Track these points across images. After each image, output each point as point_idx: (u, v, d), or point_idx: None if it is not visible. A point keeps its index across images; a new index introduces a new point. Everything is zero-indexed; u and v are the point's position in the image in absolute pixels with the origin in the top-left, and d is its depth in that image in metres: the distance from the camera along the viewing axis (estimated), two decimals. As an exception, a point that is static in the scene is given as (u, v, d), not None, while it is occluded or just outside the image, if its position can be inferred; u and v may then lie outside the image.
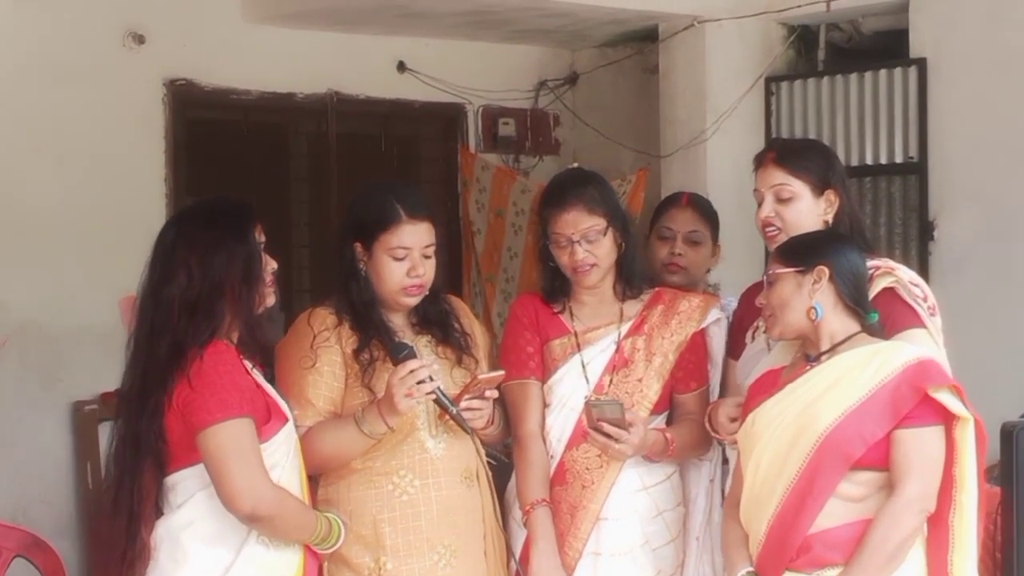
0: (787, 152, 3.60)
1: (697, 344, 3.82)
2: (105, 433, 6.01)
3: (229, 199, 3.40)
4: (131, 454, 3.19)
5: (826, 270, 3.21)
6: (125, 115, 6.58)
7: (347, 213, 3.73)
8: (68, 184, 6.33)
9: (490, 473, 3.69)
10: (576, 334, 3.79)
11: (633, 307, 3.83)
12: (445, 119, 7.94)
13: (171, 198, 6.71)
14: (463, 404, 3.47)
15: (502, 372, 3.59)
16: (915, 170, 6.40)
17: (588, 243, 3.69)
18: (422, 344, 3.62)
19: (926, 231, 6.33)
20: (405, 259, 3.53)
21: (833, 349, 3.22)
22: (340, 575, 3.50)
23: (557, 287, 3.83)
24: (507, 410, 3.73)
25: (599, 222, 3.69)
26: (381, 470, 3.52)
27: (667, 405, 3.81)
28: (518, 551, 3.68)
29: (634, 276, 3.82)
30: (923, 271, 5.73)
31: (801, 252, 3.28)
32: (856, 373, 3.14)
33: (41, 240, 6.25)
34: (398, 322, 3.62)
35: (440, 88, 7.62)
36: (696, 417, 3.77)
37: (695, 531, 3.82)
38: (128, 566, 3.17)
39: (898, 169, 6.49)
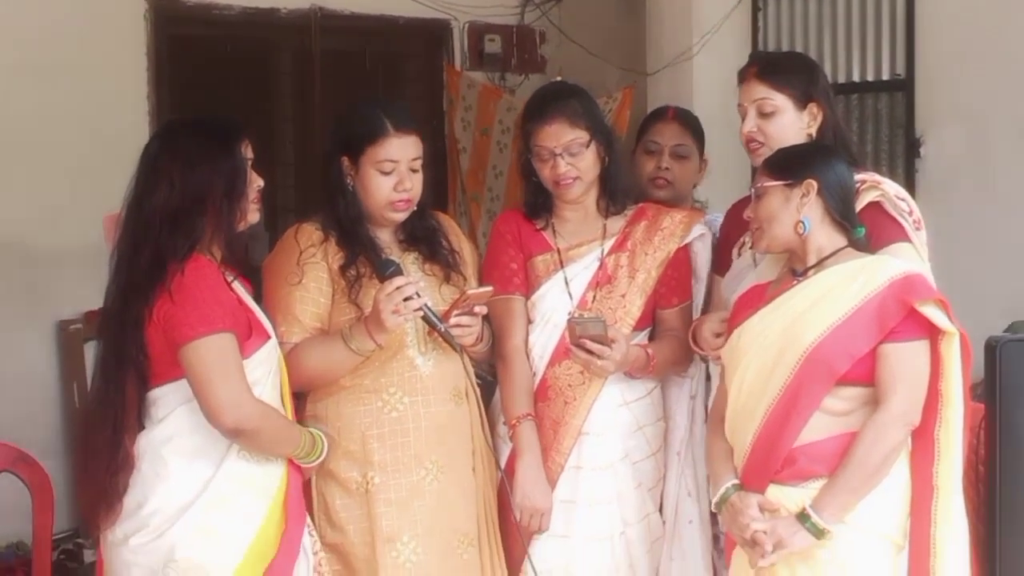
0: (769, 66, 3.58)
1: (680, 260, 3.81)
2: (91, 352, 6.03)
3: (217, 115, 3.36)
4: (114, 365, 3.19)
5: (815, 184, 3.19)
6: (107, 32, 6.53)
7: (334, 127, 3.70)
8: (50, 103, 6.28)
9: (478, 391, 3.70)
10: (559, 251, 3.78)
11: (616, 223, 3.82)
12: (430, 35, 7.89)
13: (154, 116, 6.68)
14: (452, 320, 3.46)
15: (491, 288, 3.57)
16: (902, 87, 6.38)
17: (570, 156, 3.67)
18: (409, 261, 3.62)
19: (912, 148, 6.32)
20: (392, 173, 3.51)
21: (820, 264, 3.21)
22: (328, 489, 3.53)
23: (540, 203, 3.82)
24: (491, 326, 3.73)
25: (581, 135, 3.67)
26: (370, 387, 3.52)
27: (649, 321, 3.81)
28: (502, 465, 3.71)
29: (617, 191, 3.81)
30: (909, 188, 5.70)
31: (789, 165, 3.26)
32: (842, 288, 3.13)
33: (23, 159, 6.21)
34: (385, 238, 3.61)
35: (425, 4, 7.56)
36: (678, 333, 3.78)
37: (676, 446, 3.85)
38: (112, 475, 3.18)
39: (885, 86, 6.46)
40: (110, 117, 6.46)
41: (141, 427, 3.22)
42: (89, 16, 6.41)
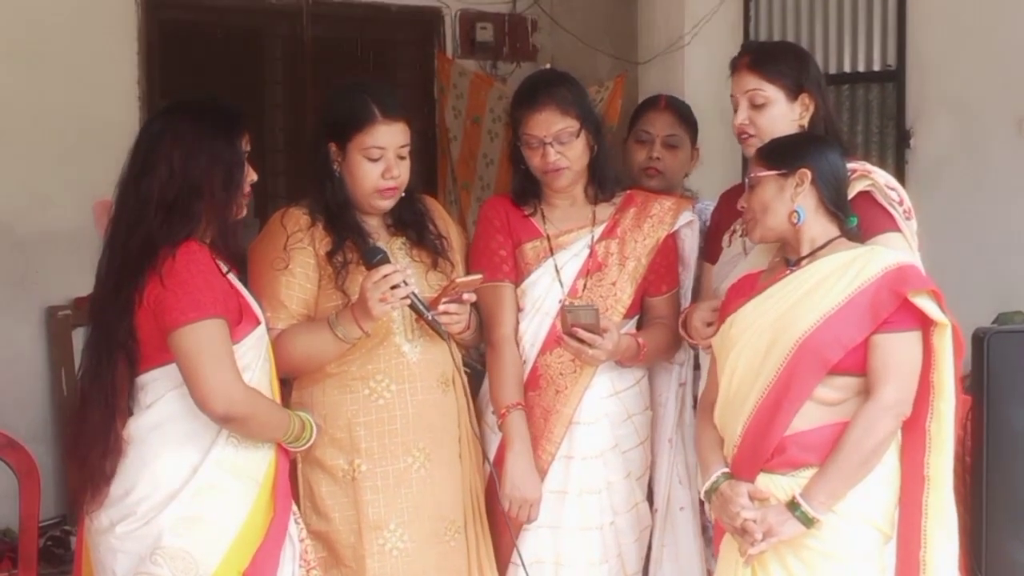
0: (761, 56, 3.56)
1: (668, 247, 3.81)
2: (79, 339, 6.06)
3: (221, 101, 3.34)
4: (105, 349, 3.17)
5: (809, 173, 3.19)
6: (98, 16, 6.51)
7: (321, 112, 3.69)
8: (40, 88, 6.27)
9: (466, 379, 3.69)
10: (548, 238, 3.76)
11: (605, 210, 3.81)
12: (422, 23, 7.88)
13: (144, 101, 6.67)
14: (441, 308, 3.45)
15: (480, 275, 3.55)
16: (893, 78, 6.39)
17: (560, 145, 3.65)
18: (396, 247, 3.60)
19: (903, 140, 6.33)
20: (380, 160, 3.49)
21: (813, 254, 3.20)
22: (314, 477, 3.52)
23: (528, 190, 3.80)
24: (480, 314, 3.72)
25: (571, 123, 3.66)
26: (357, 374, 3.51)
27: (638, 309, 3.80)
28: (491, 455, 3.70)
29: (606, 179, 3.79)
30: (899, 179, 5.61)
31: (784, 154, 3.25)
32: (836, 278, 3.12)
33: (13, 144, 6.20)
34: (372, 224, 3.59)
35: (417, -10, 7.56)
36: (666, 321, 3.78)
37: (667, 434, 3.85)
38: (101, 459, 3.16)
39: (876, 77, 6.47)
40: (100, 102, 6.45)
41: (129, 412, 3.21)
42: (80, 2, 6.40)
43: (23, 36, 6.22)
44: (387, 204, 3.57)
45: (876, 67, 6.46)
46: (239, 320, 3.20)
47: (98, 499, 3.19)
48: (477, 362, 3.93)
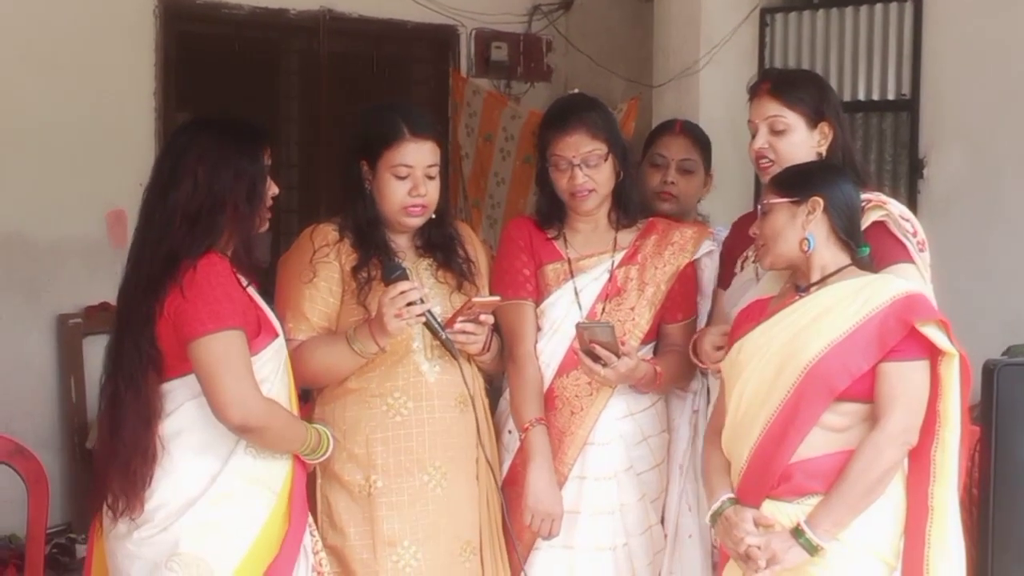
0: (782, 83, 3.56)
1: (687, 275, 3.82)
2: (89, 347, 6.09)
3: (244, 117, 3.38)
4: (136, 358, 3.19)
5: (821, 201, 3.20)
6: (115, 27, 6.54)
7: (353, 130, 3.73)
8: (56, 96, 6.29)
9: (486, 399, 3.70)
10: (569, 261, 3.78)
11: (627, 236, 3.82)
12: (438, 41, 7.92)
13: (160, 112, 6.69)
14: (457, 326, 3.47)
15: (498, 297, 3.57)
16: (907, 107, 6.40)
17: (589, 168, 3.68)
18: (422, 267, 3.63)
19: (916, 168, 6.34)
20: (407, 178, 3.53)
21: (823, 281, 3.21)
22: (332, 491, 3.55)
23: (552, 213, 3.82)
24: (502, 331, 3.73)
25: (601, 147, 3.68)
26: (376, 391, 3.54)
27: (655, 335, 3.82)
28: (503, 474, 3.71)
29: (630, 205, 3.82)
30: (912, 208, 5.65)
31: (796, 182, 3.27)
32: (844, 305, 3.13)
33: (28, 152, 6.22)
34: (401, 243, 3.63)
35: (433, 9, 7.58)
36: (681, 348, 3.78)
37: (678, 459, 3.85)
38: (143, 465, 3.17)
39: (890, 106, 6.48)
40: (116, 113, 6.48)
41: None
42: (98, 11, 6.43)
43: (40, 46, 6.25)
44: (414, 222, 3.60)
45: (890, 96, 6.47)
46: (258, 332, 3.23)
47: (134, 505, 3.19)
48: (486, 381, 3.92)
